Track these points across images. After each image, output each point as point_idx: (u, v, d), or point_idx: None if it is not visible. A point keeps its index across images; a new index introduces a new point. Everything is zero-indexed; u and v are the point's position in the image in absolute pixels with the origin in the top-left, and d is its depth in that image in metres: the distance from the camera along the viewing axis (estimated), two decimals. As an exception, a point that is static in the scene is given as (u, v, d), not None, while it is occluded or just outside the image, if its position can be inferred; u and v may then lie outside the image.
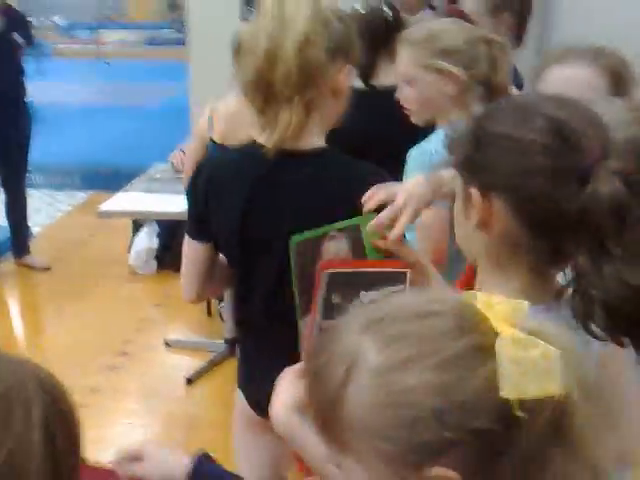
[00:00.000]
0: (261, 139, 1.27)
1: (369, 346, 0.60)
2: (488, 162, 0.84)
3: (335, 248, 1.18)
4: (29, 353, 3.21)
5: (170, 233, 3.98)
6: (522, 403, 0.56)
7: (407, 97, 1.71)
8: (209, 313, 3.49)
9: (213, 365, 3.03)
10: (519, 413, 0.56)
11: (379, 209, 1.15)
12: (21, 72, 3.90)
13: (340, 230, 1.18)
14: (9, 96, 3.81)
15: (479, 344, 0.58)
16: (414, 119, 1.74)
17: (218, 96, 2.53)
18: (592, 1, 3.42)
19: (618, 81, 1.36)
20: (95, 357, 3.15)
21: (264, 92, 1.21)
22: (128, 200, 2.82)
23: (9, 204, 3.97)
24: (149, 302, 3.73)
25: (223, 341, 3.08)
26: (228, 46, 2.36)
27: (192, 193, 1.34)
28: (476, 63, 1.65)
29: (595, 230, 0.78)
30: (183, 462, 0.97)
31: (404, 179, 1.68)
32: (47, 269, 4.00)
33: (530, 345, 0.57)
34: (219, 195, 1.29)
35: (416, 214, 1.15)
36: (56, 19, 12.96)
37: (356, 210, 1.17)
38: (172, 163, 3.22)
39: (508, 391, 0.56)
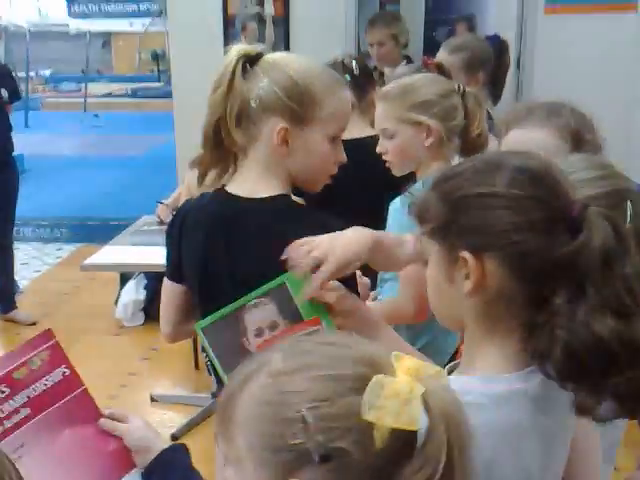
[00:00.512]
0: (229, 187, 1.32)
1: (277, 356, 0.68)
2: (476, 223, 0.83)
3: (261, 315, 1.16)
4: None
5: (158, 285, 3.96)
6: (380, 430, 0.61)
7: (387, 150, 1.74)
8: (196, 366, 3.45)
9: (200, 420, 2.99)
10: (378, 440, 0.61)
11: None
12: (8, 127, 3.93)
13: (265, 294, 1.15)
14: (3, 154, 3.84)
15: (369, 376, 0.63)
16: (395, 171, 1.77)
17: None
18: (568, 57, 3.54)
19: (577, 139, 1.37)
20: (81, 414, 3.10)
21: (208, 142, 1.28)
22: (114, 253, 2.83)
23: (-4, 260, 3.95)
24: (136, 356, 3.69)
25: (210, 395, 3.04)
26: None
27: (169, 236, 1.40)
28: (452, 115, 1.69)
29: (581, 275, 0.78)
30: (162, 443, 1.10)
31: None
32: (33, 324, 3.96)
33: (403, 382, 0.63)
34: (188, 237, 1.34)
35: (338, 270, 1.12)
36: (43, 72, 13.12)
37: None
38: (159, 216, 3.23)
39: (369, 415, 0.61)
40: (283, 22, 3.82)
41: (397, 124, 1.70)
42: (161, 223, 3.11)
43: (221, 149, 1.28)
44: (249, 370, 0.69)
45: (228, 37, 3.87)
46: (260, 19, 3.83)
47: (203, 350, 1.24)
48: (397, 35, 3.20)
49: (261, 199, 1.26)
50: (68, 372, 1.05)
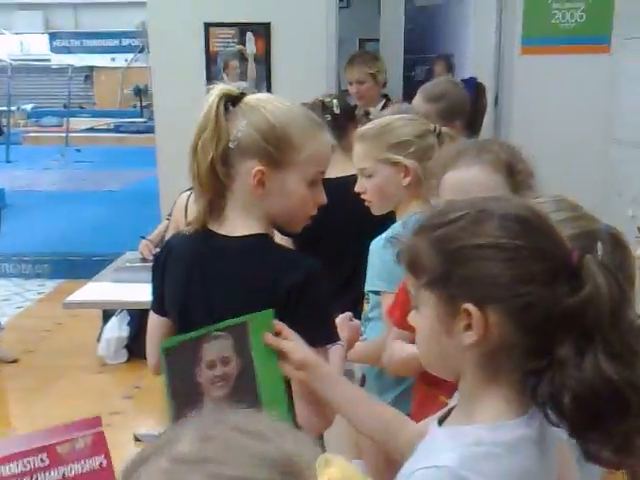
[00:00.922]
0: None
1: (187, 437, 0.60)
2: (478, 275, 0.83)
3: (217, 348, 1.18)
4: (-7, 452, 3.11)
5: (141, 321, 3.95)
6: None
7: (366, 189, 1.78)
8: (180, 403, 3.42)
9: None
10: None
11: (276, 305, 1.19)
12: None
13: (225, 329, 1.17)
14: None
15: None
16: (374, 210, 1.80)
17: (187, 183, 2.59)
18: (544, 95, 3.64)
19: (510, 170, 1.40)
20: (62, 454, 3.05)
21: (206, 183, 1.29)
22: (96, 290, 2.82)
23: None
24: (119, 394, 3.65)
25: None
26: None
27: (154, 268, 1.42)
28: (428, 155, 1.72)
29: (589, 324, 0.79)
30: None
31: (368, 271, 1.73)
32: (14, 361, 3.92)
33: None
34: (170, 271, 1.36)
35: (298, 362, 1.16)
36: (25, 106, 13.12)
37: (272, 302, 1.19)
38: (141, 252, 3.23)
39: None
40: (265, 60, 3.88)
41: (375, 164, 1.74)
42: (144, 260, 3.11)
43: (215, 187, 1.29)
44: (159, 443, 0.62)
45: (210, 74, 3.93)
46: (242, 57, 3.90)
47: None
48: (376, 74, 3.27)
49: (238, 237, 1.28)
50: (105, 464, 1.07)
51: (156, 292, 1.41)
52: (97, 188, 8.42)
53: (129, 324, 3.96)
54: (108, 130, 13.03)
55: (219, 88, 1.28)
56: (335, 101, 2.27)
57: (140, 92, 13.96)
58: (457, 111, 2.43)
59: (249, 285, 1.25)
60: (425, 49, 4.19)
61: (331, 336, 1.28)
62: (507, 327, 0.82)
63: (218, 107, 1.25)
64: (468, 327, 0.83)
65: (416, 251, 0.88)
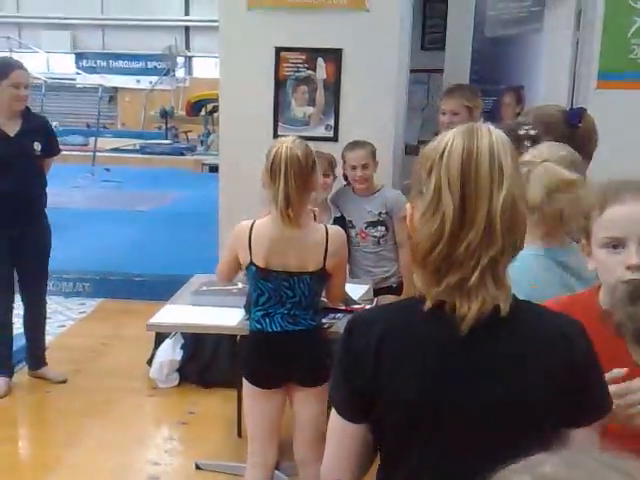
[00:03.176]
0: None
1: (551, 459, 0.60)
2: None
3: None
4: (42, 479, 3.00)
5: (195, 344, 3.87)
6: None
7: None
8: (239, 434, 3.32)
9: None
10: None
11: None
12: (43, 181, 3.82)
13: None
14: (38, 208, 3.77)
15: None
16: None
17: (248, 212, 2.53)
18: (619, 131, 3.58)
19: None
20: (123, 481, 2.95)
21: None
22: (177, 313, 2.73)
23: (29, 315, 3.81)
24: (174, 419, 3.55)
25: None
26: (260, 161, 2.40)
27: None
28: None
29: None
30: None
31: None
32: (63, 381, 3.83)
33: None
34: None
35: None
36: (53, 125, 13.16)
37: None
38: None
39: None
40: (334, 86, 3.84)
41: None
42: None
43: None
44: (522, 464, 0.62)
45: (278, 98, 3.89)
46: (311, 82, 3.86)
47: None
48: (472, 108, 3.21)
49: None
50: None
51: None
52: (128, 207, 8.38)
53: (182, 347, 3.88)
54: (134, 151, 13.06)
55: None
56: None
57: (166, 114, 14.03)
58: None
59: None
60: (493, 80, 4.14)
61: None
62: None
63: None
64: None
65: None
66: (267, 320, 2.35)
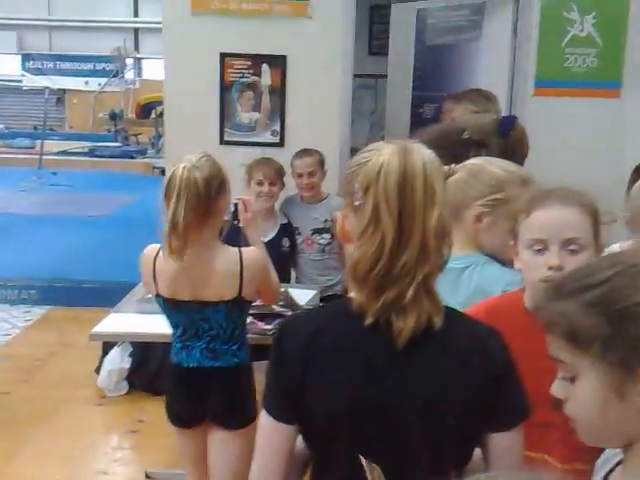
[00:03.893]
0: None
1: None
2: None
3: None
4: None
5: (143, 352, 3.85)
6: None
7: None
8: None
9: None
10: None
11: None
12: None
13: None
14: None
15: None
16: None
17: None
18: (555, 136, 3.71)
19: (596, 218, 1.41)
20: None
21: None
22: (122, 322, 2.72)
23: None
24: (123, 428, 3.53)
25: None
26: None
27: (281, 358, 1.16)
28: None
29: None
30: None
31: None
32: (6, 393, 3.77)
33: None
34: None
35: None
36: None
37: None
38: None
39: None
40: (280, 91, 3.88)
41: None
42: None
43: None
44: None
45: (224, 103, 3.90)
46: (257, 88, 3.88)
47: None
48: (480, 112, 3.15)
49: None
50: None
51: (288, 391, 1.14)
52: (75, 212, 8.25)
53: (131, 355, 3.86)
54: (82, 154, 12.83)
55: None
56: None
57: (115, 117, 13.83)
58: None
59: None
60: (434, 87, 4.24)
61: None
62: None
63: None
64: None
65: (571, 318, 0.85)
66: (185, 353, 2.14)
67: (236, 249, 2.11)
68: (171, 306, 2.12)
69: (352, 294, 1.13)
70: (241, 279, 2.06)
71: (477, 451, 1.16)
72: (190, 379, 2.16)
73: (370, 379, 1.10)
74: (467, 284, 1.65)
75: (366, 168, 1.10)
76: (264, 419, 1.18)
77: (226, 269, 2.06)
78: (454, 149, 1.92)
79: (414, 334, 1.08)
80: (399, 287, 1.07)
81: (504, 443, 1.13)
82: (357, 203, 1.10)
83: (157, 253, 2.09)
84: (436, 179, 1.09)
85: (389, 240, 1.07)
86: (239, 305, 2.11)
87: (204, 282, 2.06)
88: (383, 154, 1.09)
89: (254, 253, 2.15)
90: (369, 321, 1.09)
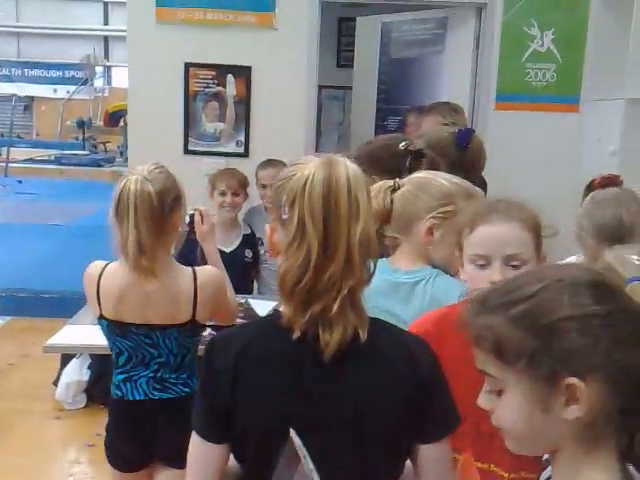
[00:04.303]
0: None
1: None
2: (575, 347, 0.82)
3: None
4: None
5: (102, 364, 3.79)
6: None
7: None
8: (148, 451, 3.27)
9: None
10: None
11: None
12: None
13: None
14: None
15: None
16: None
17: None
18: (517, 149, 3.77)
19: (537, 232, 1.43)
20: (24, 507, 2.87)
21: None
22: (77, 333, 2.68)
23: None
24: (80, 442, 3.47)
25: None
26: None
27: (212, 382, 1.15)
28: None
29: None
30: None
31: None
32: (-38, 406, 3.69)
33: None
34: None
35: None
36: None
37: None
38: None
39: None
40: (245, 101, 3.88)
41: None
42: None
43: None
44: None
45: (189, 113, 3.89)
46: (221, 98, 3.88)
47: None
48: (449, 125, 3.16)
49: None
50: None
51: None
52: (41, 221, 8.13)
53: (90, 367, 3.80)
54: (49, 161, 12.67)
55: None
56: None
57: (83, 124, 13.70)
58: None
59: None
60: (398, 100, 4.27)
61: None
62: (606, 394, 0.82)
63: None
64: (569, 401, 0.82)
65: (497, 332, 0.85)
66: (129, 385, 1.95)
67: (190, 269, 1.95)
68: (115, 329, 1.93)
69: (281, 307, 1.13)
70: (195, 301, 1.91)
71: (408, 463, 1.16)
72: (135, 414, 1.95)
73: (299, 393, 1.10)
74: (421, 297, 1.66)
75: (292, 182, 1.10)
76: (194, 439, 1.16)
77: (178, 290, 1.90)
78: (390, 160, 1.94)
79: (340, 347, 1.07)
80: (325, 300, 1.07)
81: (434, 454, 1.13)
82: (284, 217, 1.11)
83: (102, 271, 1.93)
84: (360, 192, 1.09)
85: (314, 253, 1.06)
86: (192, 329, 1.94)
87: (154, 304, 1.89)
88: (308, 168, 1.09)
89: (209, 273, 1.97)
90: (296, 335, 1.09)
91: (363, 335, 1.09)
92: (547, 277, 0.87)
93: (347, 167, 1.10)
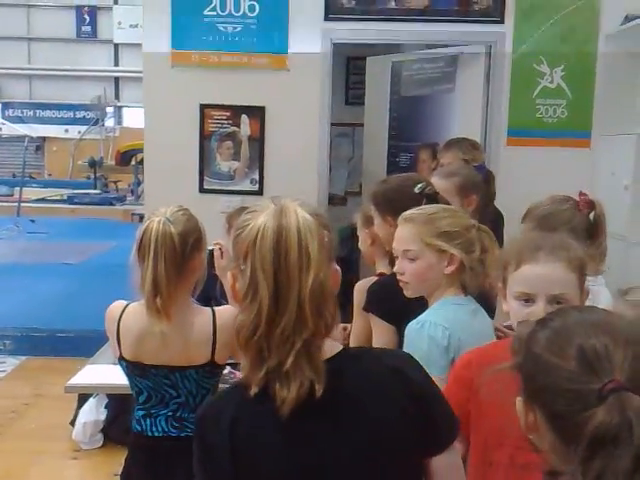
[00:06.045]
0: None
1: None
2: (528, 375, 0.91)
3: None
4: None
5: (119, 404, 3.79)
6: None
7: (406, 271, 1.79)
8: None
9: None
10: None
11: None
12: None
13: None
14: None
15: None
16: (408, 293, 1.82)
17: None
18: (528, 184, 3.80)
19: (582, 272, 1.47)
20: None
21: None
22: (97, 373, 2.69)
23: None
24: (98, 482, 3.46)
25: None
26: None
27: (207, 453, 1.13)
28: (472, 247, 1.78)
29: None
30: None
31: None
32: (-21, 447, 3.68)
33: None
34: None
35: None
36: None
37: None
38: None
39: None
40: (259, 140, 3.94)
41: (422, 248, 1.76)
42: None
43: None
44: None
45: (204, 153, 3.95)
46: (236, 138, 3.94)
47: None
48: (469, 161, 3.19)
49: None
50: None
51: None
52: (54, 260, 8.18)
53: (106, 407, 3.79)
54: (61, 201, 12.80)
55: None
56: None
57: (95, 164, 13.87)
58: (472, 185, 2.54)
59: None
60: (410, 137, 4.33)
61: None
62: (546, 426, 0.89)
63: None
64: None
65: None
66: (148, 422, 1.94)
67: (209, 310, 1.94)
68: (135, 370, 1.92)
69: (242, 363, 1.11)
70: (214, 343, 1.89)
71: None
72: (154, 450, 1.94)
73: (288, 449, 1.08)
74: None
75: (244, 233, 1.08)
76: None
77: (198, 332, 1.89)
78: (406, 202, 1.98)
79: (298, 401, 1.04)
80: (279, 355, 1.05)
81: (443, 465, 1.12)
82: (242, 267, 1.09)
83: (122, 311, 1.92)
84: (311, 242, 1.06)
85: (265, 307, 1.04)
86: (211, 370, 1.92)
87: (173, 345, 1.88)
88: (261, 217, 1.07)
89: (229, 313, 1.86)
90: (253, 391, 1.06)
91: (319, 390, 1.05)
92: (556, 327, 0.92)
93: (298, 216, 1.06)
